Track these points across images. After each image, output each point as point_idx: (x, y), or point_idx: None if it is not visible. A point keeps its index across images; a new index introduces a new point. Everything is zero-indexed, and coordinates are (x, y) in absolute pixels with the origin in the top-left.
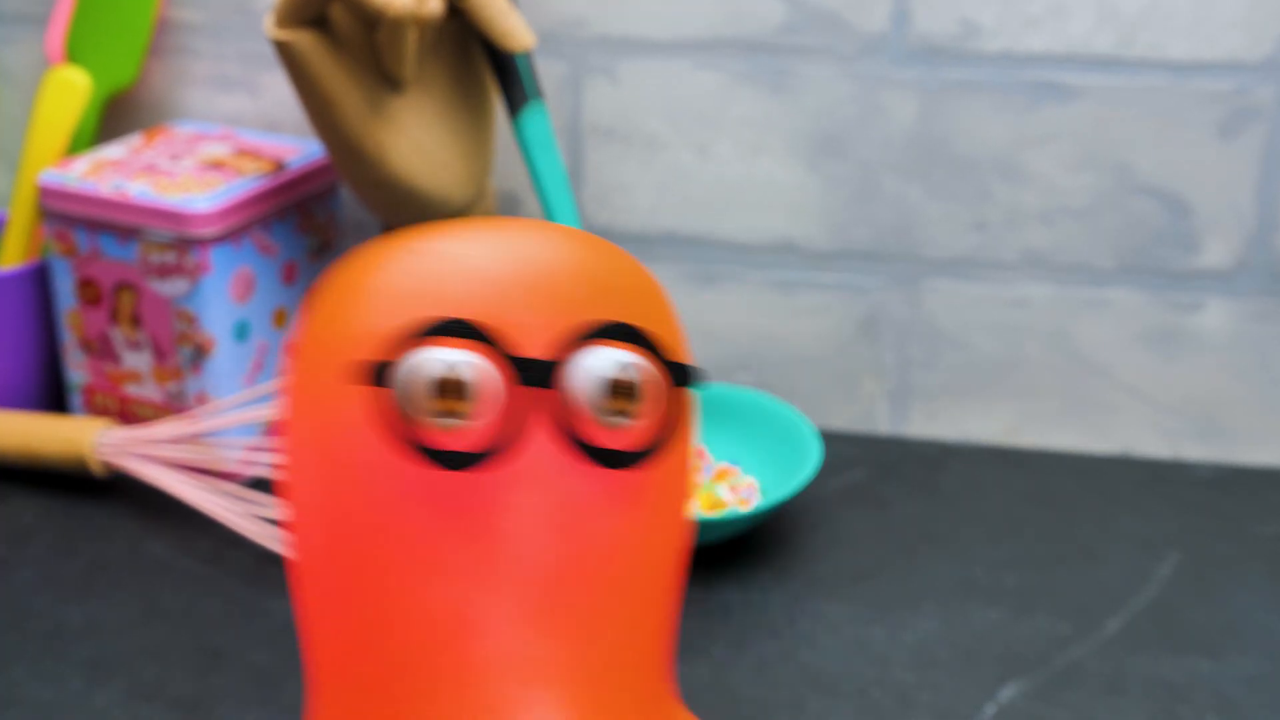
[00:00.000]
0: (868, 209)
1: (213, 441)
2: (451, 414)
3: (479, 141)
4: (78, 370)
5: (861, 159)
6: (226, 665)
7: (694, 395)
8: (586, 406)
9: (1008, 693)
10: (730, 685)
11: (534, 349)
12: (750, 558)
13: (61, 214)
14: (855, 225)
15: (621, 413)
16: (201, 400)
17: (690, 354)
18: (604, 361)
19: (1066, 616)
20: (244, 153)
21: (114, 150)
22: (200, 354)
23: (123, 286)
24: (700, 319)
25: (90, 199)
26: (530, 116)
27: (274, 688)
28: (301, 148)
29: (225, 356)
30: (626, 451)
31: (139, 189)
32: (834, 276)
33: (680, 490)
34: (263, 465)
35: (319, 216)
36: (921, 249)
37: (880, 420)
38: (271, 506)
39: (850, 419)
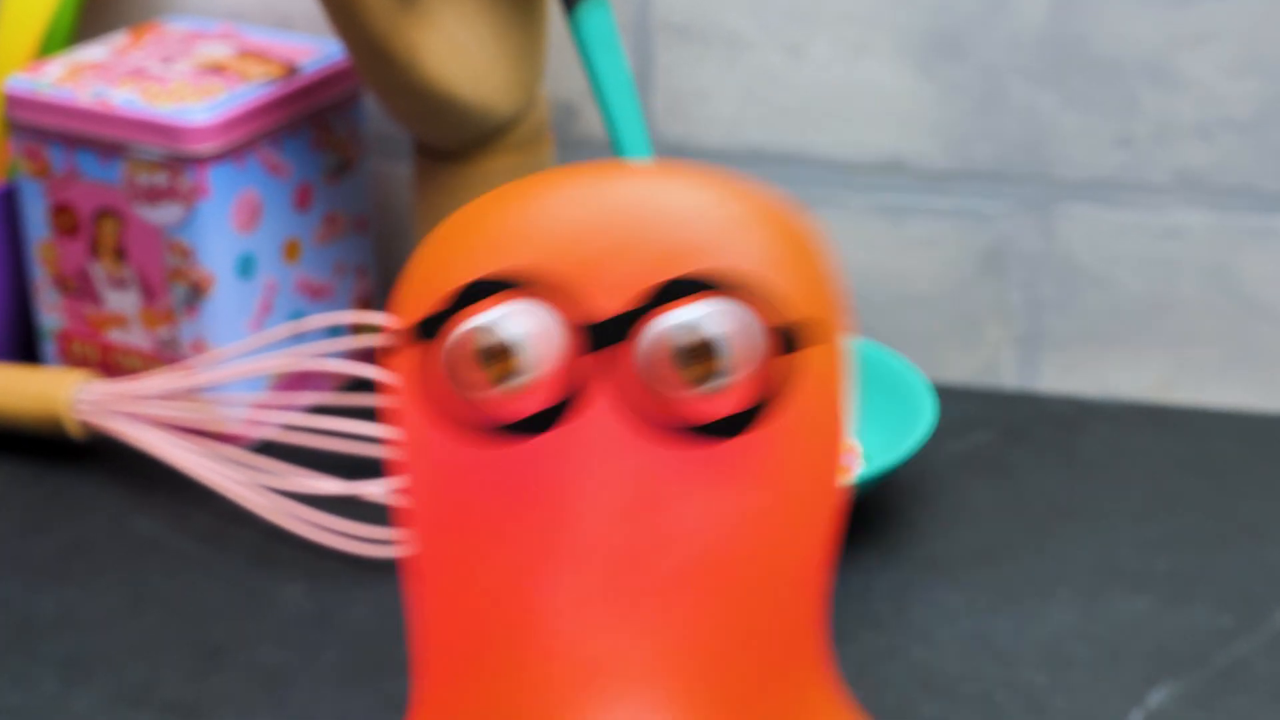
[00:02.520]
0: (991, 121)
1: (211, 398)
2: (499, 379)
3: (528, 41)
4: (51, 313)
5: (984, 61)
6: (227, 663)
7: (826, 356)
8: (657, 370)
9: (1158, 697)
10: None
11: (609, 306)
12: (852, 536)
13: (32, 127)
14: (976, 140)
15: (701, 378)
16: (198, 349)
17: (834, 314)
18: (677, 320)
19: (1229, 607)
20: (249, 54)
21: (95, 51)
22: (197, 294)
23: (105, 213)
24: None
25: (66, 109)
26: (590, 11)
27: (282, 689)
28: (317, 48)
29: (226, 296)
30: (709, 423)
31: (124, 97)
32: (951, 201)
33: (803, 465)
34: (270, 426)
35: (338, 130)
36: (1055, 169)
37: (1006, 373)
38: (281, 475)
39: (971, 371)
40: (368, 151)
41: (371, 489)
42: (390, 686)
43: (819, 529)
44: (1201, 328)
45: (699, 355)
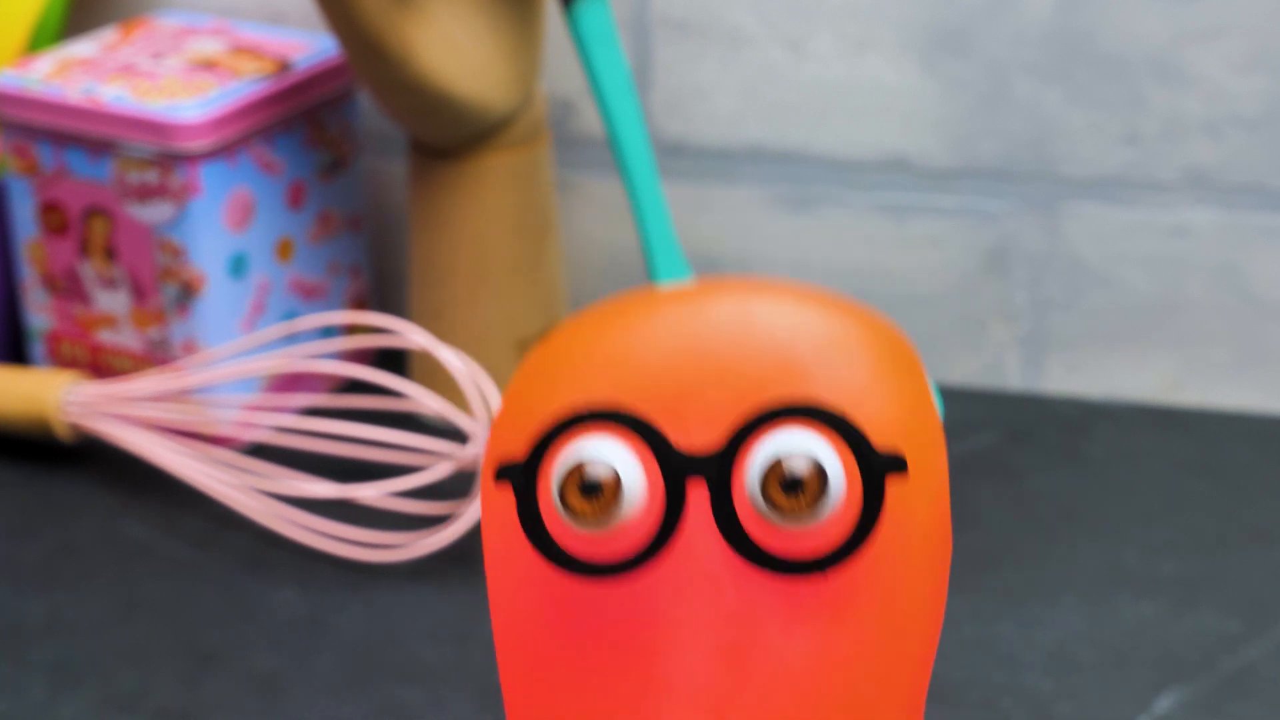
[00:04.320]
0: (996, 118)
1: (203, 400)
2: (592, 517)
3: (525, 37)
4: (40, 313)
5: (988, 57)
6: (219, 669)
7: (927, 483)
8: (752, 504)
9: (1165, 703)
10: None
11: (701, 438)
12: None
13: (20, 124)
14: (980, 138)
15: (797, 511)
16: (189, 350)
17: (935, 440)
18: (771, 451)
19: (1237, 612)
20: (240, 50)
21: (84, 47)
22: (188, 293)
23: (94, 212)
24: (791, 250)
25: (55, 106)
26: (588, 6)
27: (275, 695)
28: (310, 44)
29: (218, 296)
30: (806, 557)
31: (114, 94)
32: (955, 200)
33: (904, 598)
34: (263, 428)
35: (331, 127)
36: (1061, 166)
37: (1011, 374)
38: (273, 478)
39: (974, 372)
40: (362, 149)
41: (365, 492)
42: (384, 693)
43: (918, 664)
44: (1210, 328)
45: (797, 487)
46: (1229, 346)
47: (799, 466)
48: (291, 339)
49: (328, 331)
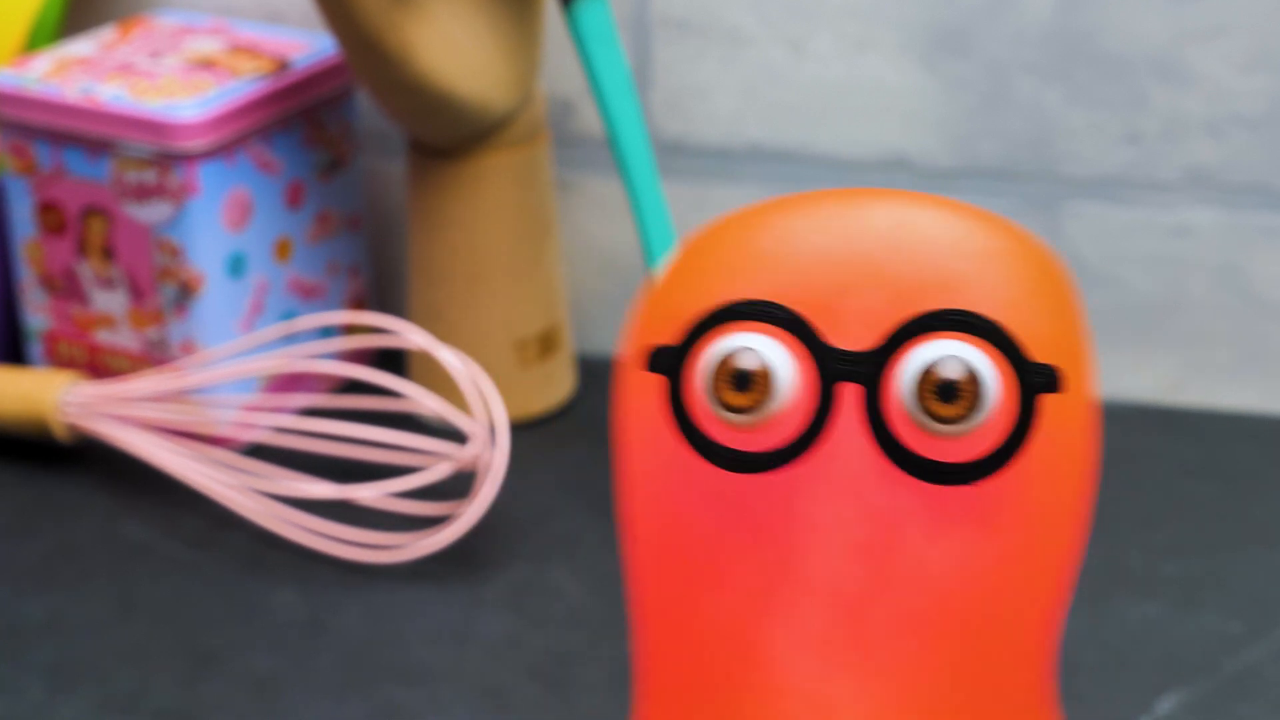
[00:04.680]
0: (996, 118)
1: (201, 400)
2: (742, 409)
3: (525, 36)
4: (38, 313)
5: (989, 57)
6: (218, 671)
7: (1077, 401)
8: (905, 408)
9: (1167, 705)
10: None
11: (855, 339)
12: None
13: (18, 123)
14: (981, 138)
15: (951, 418)
16: (187, 349)
17: (1085, 358)
18: (928, 356)
19: (1239, 613)
20: (239, 49)
21: (82, 46)
22: (186, 293)
23: (92, 212)
24: None
25: (53, 105)
26: (587, 6)
27: (274, 696)
28: (309, 43)
29: (216, 296)
30: (956, 464)
31: (112, 93)
32: (956, 199)
33: (1048, 514)
34: (261, 428)
35: (330, 127)
36: (1062, 166)
37: None
38: (272, 478)
39: None
40: (360, 149)
41: (364, 493)
42: (383, 694)
43: (1059, 580)
44: (1212, 328)
45: (952, 394)
46: (1231, 347)
47: (955, 372)
48: (290, 339)
49: (326, 332)
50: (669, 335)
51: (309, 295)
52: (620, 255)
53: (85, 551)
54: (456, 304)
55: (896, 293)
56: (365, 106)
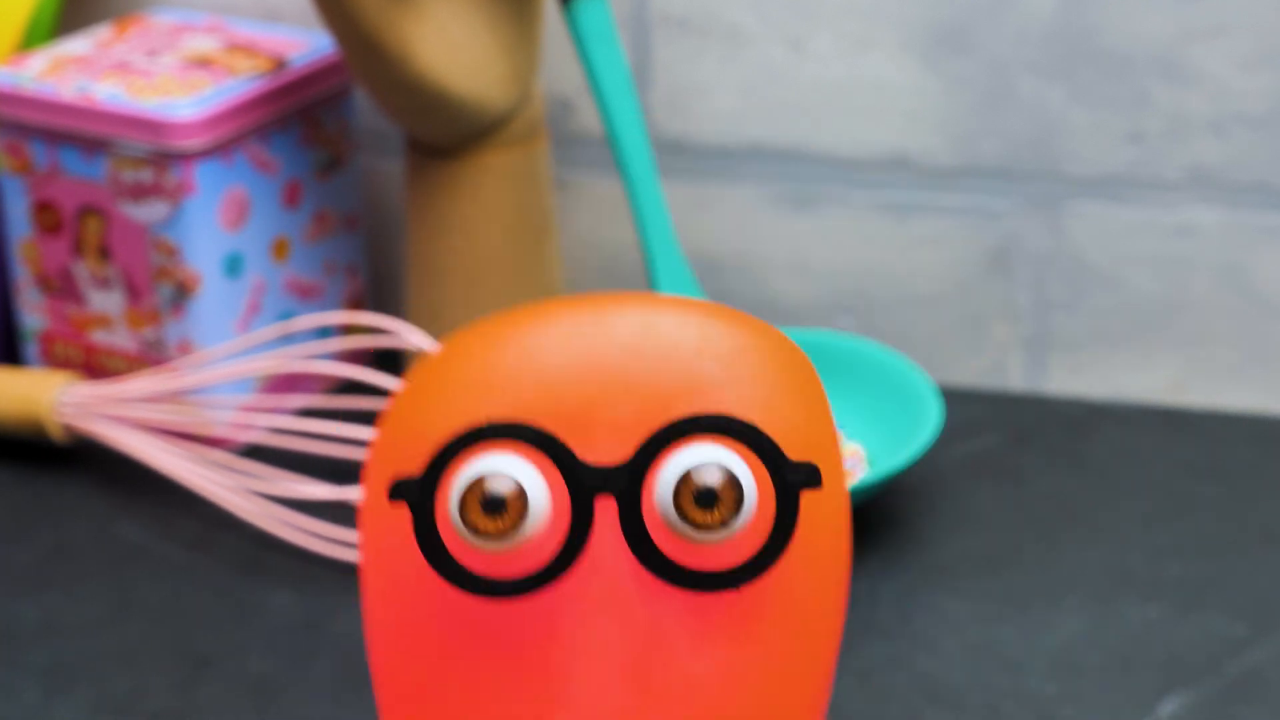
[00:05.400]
0: (998, 116)
1: (198, 401)
2: (496, 534)
3: (523, 34)
4: (33, 313)
5: (991, 55)
6: (214, 673)
7: (830, 497)
8: (663, 518)
9: (1170, 707)
10: (831, 698)
11: (608, 452)
12: (855, 542)
13: (14, 122)
14: (983, 136)
15: (711, 525)
16: (184, 350)
17: (836, 454)
18: (684, 463)
19: (1242, 615)
20: (236, 47)
21: (78, 45)
22: (183, 293)
23: (88, 211)
24: (792, 251)
25: (49, 104)
26: (587, 4)
27: (271, 700)
28: (306, 41)
29: (213, 296)
30: (719, 571)
31: (108, 92)
32: (957, 199)
33: (809, 611)
34: (258, 429)
35: (328, 126)
36: (1064, 165)
37: (1013, 375)
38: (269, 480)
39: (976, 373)
40: (358, 148)
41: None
42: None
43: (821, 676)
44: (1214, 328)
45: (711, 500)
46: (1234, 347)
47: (714, 478)
48: (287, 339)
49: (324, 332)
50: (412, 462)
51: (306, 295)
52: (619, 255)
53: (81, 553)
54: (455, 304)
55: (645, 401)
56: (363, 105)
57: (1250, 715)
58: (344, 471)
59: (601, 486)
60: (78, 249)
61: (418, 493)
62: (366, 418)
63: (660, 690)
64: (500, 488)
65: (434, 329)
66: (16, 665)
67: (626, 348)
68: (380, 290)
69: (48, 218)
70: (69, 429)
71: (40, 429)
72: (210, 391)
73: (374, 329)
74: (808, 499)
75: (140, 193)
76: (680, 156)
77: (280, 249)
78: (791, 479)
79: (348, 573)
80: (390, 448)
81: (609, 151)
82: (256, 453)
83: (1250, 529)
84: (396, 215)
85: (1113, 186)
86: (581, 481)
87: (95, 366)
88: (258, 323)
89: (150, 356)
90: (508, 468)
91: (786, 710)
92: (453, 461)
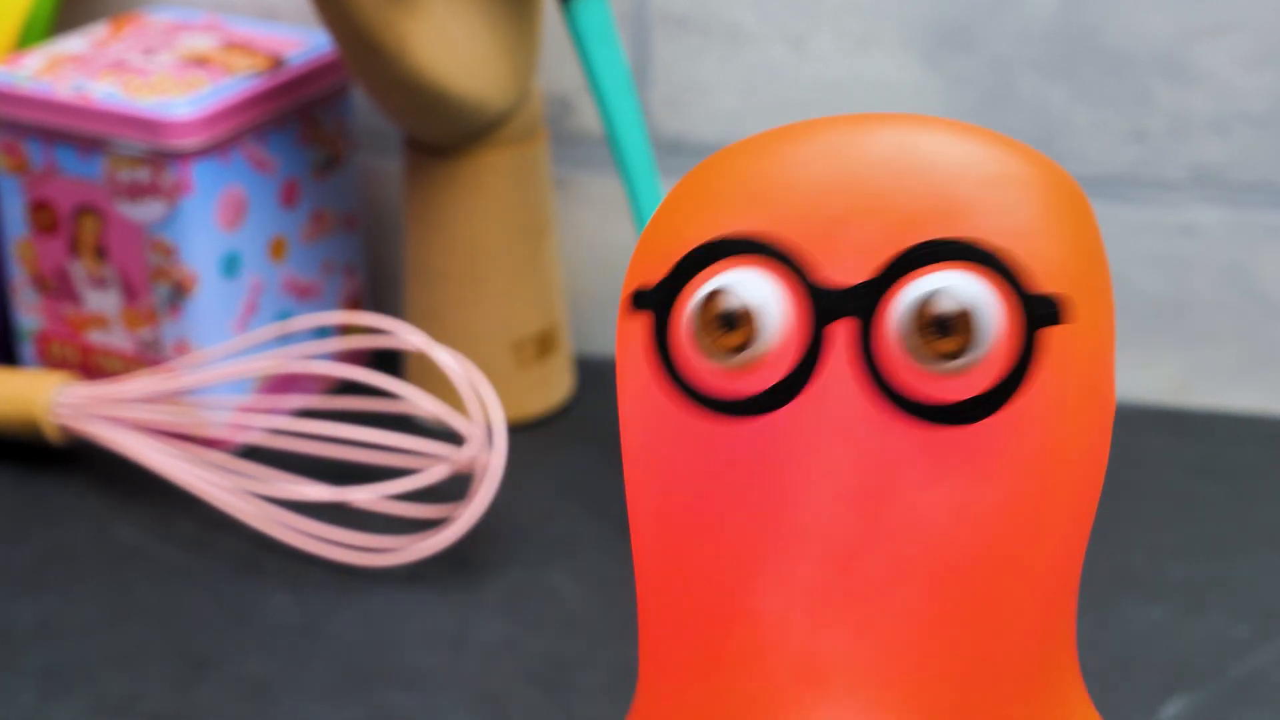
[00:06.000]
0: (1000, 115)
1: (195, 401)
2: (729, 350)
3: (522, 33)
4: (29, 314)
5: (992, 54)
6: (211, 675)
7: (1090, 333)
8: (899, 344)
9: (1172, 709)
10: None
11: (851, 272)
12: None
13: (9, 121)
14: None
15: (947, 354)
16: (181, 350)
17: (1100, 288)
18: (924, 289)
19: (1245, 617)
20: (233, 46)
21: (74, 43)
22: (180, 293)
23: (85, 210)
24: None
25: (45, 103)
26: (586, 2)
27: (268, 702)
28: (304, 40)
29: (210, 296)
30: (953, 403)
31: (105, 90)
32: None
33: (1057, 453)
34: (256, 430)
35: (326, 125)
36: (1066, 164)
37: None
38: (266, 481)
39: None
40: (356, 147)
41: (359, 495)
42: (379, 699)
43: (1069, 529)
44: (1217, 328)
45: (951, 328)
46: (1237, 347)
47: (951, 305)
48: (285, 340)
49: (322, 332)
50: (658, 274)
51: (304, 295)
52: (619, 255)
53: (77, 554)
54: (453, 304)
55: (895, 222)
56: (361, 104)
57: (1254, 718)
58: (342, 472)
59: (839, 307)
60: (74, 249)
61: (654, 302)
62: (365, 418)
63: (887, 523)
64: (733, 302)
65: (432, 329)
66: (12, 667)
67: (882, 165)
68: (378, 290)
69: (44, 217)
70: (65, 430)
71: (36, 430)
72: (207, 392)
73: (372, 329)
74: (1062, 335)
75: (137, 192)
76: (680, 155)
77: (278, 249)
78: (1036, 311)
79: (346, 574)
80: (641, 259)
81: (608, 151)
82: (254, 453)
83: (1253, 530)
84: (395, 215)
85: (1115, 186)
86: (819, 302)
87: (92, 367)
88: (255, 323)
89: (147, 357)
90: (743, 283)
91: (1027, 559)
92: (692, 274)
